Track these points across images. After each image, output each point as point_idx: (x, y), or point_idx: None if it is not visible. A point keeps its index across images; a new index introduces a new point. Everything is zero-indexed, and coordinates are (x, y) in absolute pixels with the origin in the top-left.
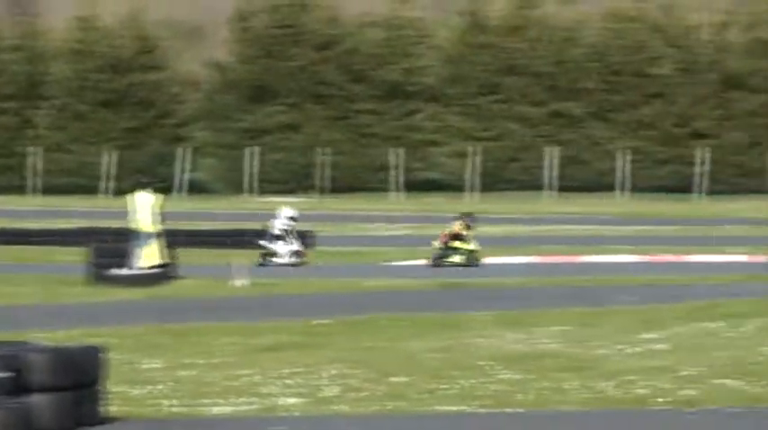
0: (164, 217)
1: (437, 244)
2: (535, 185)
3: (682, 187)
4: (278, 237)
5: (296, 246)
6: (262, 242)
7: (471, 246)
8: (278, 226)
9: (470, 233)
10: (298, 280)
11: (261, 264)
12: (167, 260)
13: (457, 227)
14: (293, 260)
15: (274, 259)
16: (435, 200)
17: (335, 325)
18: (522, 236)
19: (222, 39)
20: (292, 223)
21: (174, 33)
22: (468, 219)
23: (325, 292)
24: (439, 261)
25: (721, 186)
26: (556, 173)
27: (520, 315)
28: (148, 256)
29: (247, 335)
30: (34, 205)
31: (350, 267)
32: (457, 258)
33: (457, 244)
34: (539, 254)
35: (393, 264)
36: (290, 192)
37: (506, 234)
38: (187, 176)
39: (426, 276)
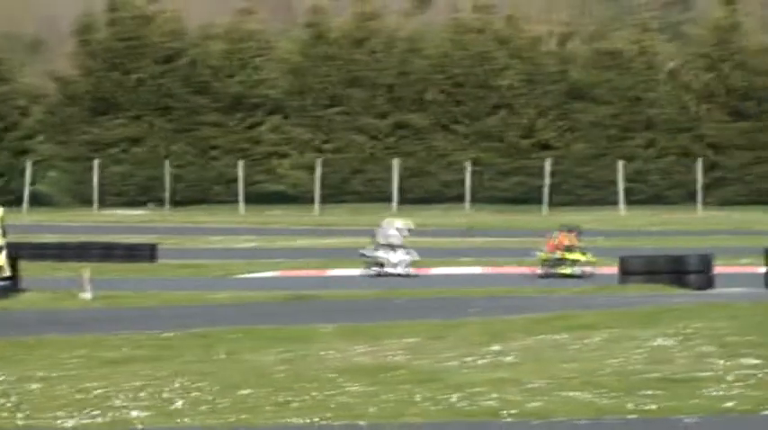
0: (5, 230)
1: (543, 254)
2: (380, 197)
3: (526, 198)
4: (391, 247)
5: (408, 256)
6: (363, 252)
7: (585, 257)
8: (391, 236)
9: (580, 244)
10: (143, 293)
11: (378, 274)
12: (11, 273)
13: (565, 237)
14: (406, 271)
15: (386, 269)
16: (280, 212)
17: (183, 337)
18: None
19: (66, 52)
20: (406, 234)
21: (16, 46)
22: (576, 230)
23: (172, 305)
24: (550, 271)
25: (566, 197)
26: (400, 184)
27: (368, 327)
28: None
29: (96, 348)
30: None
31: (196, 280)
32: (567, 269)
33: (567, 255)
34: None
35: (239, 276)
36: (135, 204)
37: (351, 246)
38: (30, 189)
39: (271, 288)
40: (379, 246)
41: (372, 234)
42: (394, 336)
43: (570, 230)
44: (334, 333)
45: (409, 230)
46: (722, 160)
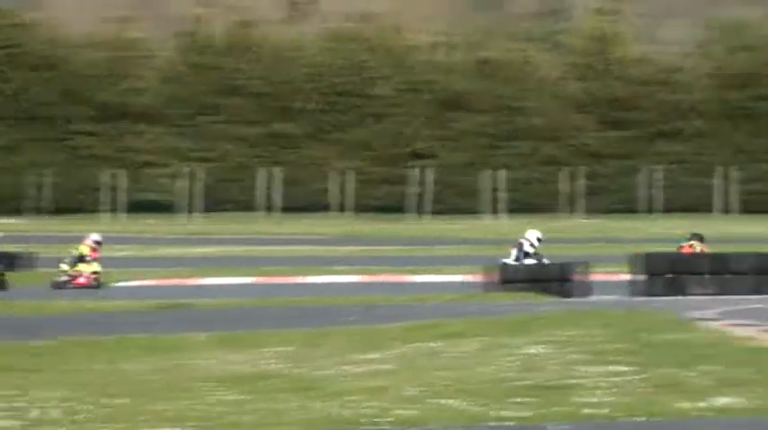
0: None
1: None
2: (254, 206)
3: (400, 207)
4: (527, 255)
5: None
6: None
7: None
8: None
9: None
10: (10, 302)
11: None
12: None
13: (697, 246)
14: None
15: None
16: (154, 221)
17: (54, 346)
18: (242, 256)
19: None
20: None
21: None
22: (698, 237)
23: (43, 314)
24: None
25: (440, 206)
26: (273, 193)
27: (241, 336)
28: None
29: None
30: None
31: (69, 289)
32: None
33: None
34: (260, 274)
35: (114, 285)
36: (9, 212)
37: (226, 255)
38: None
39: (143, 297)
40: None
41: None
42: (270, 344)
43: (695, 237)
44: (209, 341)
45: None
46: (599, 169)
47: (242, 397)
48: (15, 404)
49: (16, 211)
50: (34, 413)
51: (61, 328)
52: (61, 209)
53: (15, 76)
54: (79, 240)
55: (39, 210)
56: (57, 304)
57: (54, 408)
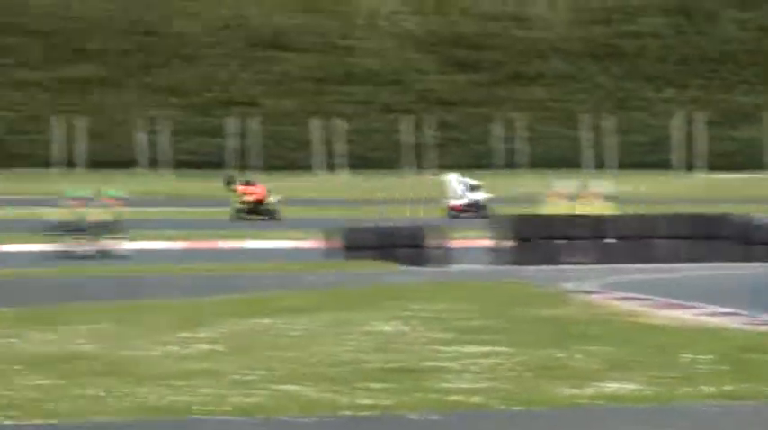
0: None
1: None
2: (50, 162)
3: (219, 162)
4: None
5: None
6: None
7: None
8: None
9: None
10: None
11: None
12: None
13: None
14: None
15: None
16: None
17: None
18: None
19: None
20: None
21: None
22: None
23: None
24: None
25: (267, 161)
26: (74, 146)
27: (42, 311)
28: None
29: None
30: None
31: None
32: None
33: None
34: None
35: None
36: None
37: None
38: None
39: None
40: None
41: None
42: (76, 322)
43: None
44: (6, 316)
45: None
46: (447, 118)
47: (51, 381)
48: None
49: None
50: None
51: None
52: None
53: None
54: None
55: None
56: None
57: None
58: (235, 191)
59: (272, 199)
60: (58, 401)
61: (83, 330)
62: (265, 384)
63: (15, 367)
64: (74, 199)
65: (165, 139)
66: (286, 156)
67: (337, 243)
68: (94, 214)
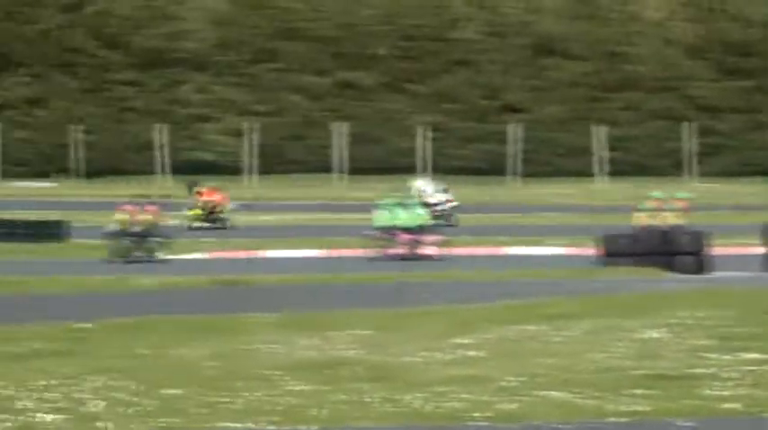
0: None
1: None
2: (322, 167)
3: (491, 169)
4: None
5: None
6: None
7: None
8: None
9: None
10: (52, 278)
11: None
12: None
13: None
14: None
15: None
16: (208, 184)
17: (98, 329)
18: (306, 226)
19: None
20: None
21: None
22: None
23: (85, 292)
24: None
25: (536, 167)
26: (345, 152)
27: (310, 317)
28: None
29: None
30: None
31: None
32: None
33: None
34: (325, 246)
35: (163, 259)
36: (40, 175)
37: (286, 223)
38: None
39: (198, 272)
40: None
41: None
42: (342, 327)
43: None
44: (272, 323)
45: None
46: (715, 125)
47: (315, 387)
48: (62, 394)
49: (46, 174)
50: (76, 406)
51: (103, 308)
52: (97, 170)
53: (40, 18)
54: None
55: (72, 173)
56: (98, 280)
57: (104, 400)
58: (199, 195)
59: (229, 207)
60: (320, 407)
61: (348, 336)
62: (529, 390)
63: (277, 373)
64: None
65: (441, 146)
66: (552, 163)
67: (601, 249)
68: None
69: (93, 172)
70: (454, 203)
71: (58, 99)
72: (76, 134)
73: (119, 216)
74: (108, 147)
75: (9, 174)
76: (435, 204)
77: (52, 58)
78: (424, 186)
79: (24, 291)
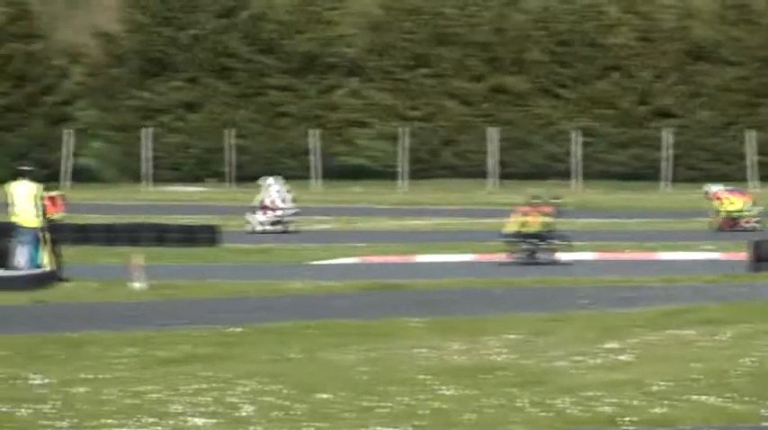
0: (42, 209)
1: None
2: (474, 172)
3: (642, 174)
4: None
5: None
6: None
7: None
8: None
9: None
10: (204, 282)
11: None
12: (55, 259)
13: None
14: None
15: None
16: (360, 189)
17: (250, 333)
18: (459, 230)
19: (108, 5)
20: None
21: None
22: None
23: (236, 296)
24: None
25: (688, 173)
26: (498, 157)
27: (461, 321)
28: (36, 256)
29: (149, 346)
30: None
31: (264, 267)
32: None
33: None
34: (479, 251)
35: (314, 263)
36: (193, 180)
37: (439, 229)
38: (72, 162)
39: (351, 277)
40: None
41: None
42: (493, 332)
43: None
44: (424, 327)
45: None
46: None
47: (466, 392)
48: (213, 398)
49: (199, 178)
50: (227, 410)
51: (254, 312)
52: (249, 175)
53: (194, 23)
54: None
55: (225, 177)
56: (250, 284)
57: (256, 404)
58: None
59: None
60: (470, 411)
61: (498, 341)
62: (680, 395)
63: (428, 377)
64: None
65: (592, 151)
66: (711, 169)
67: (752, 254)
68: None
69: (246, 176)
70: (296, 209)
71: (213, 104)
72: (230, 139)
73: (516, 218)
74: (261, 152)
75: (163, 179)
76: (282, 208)
77: (207, 62)
78: (276, 187)
79: (176, 296)
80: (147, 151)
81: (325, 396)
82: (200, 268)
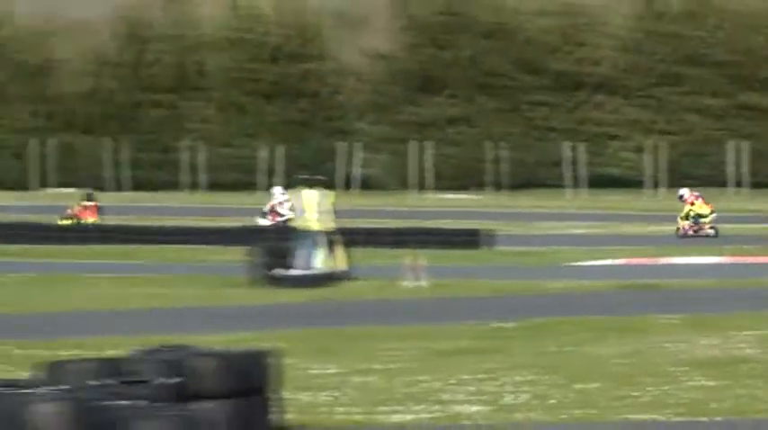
0: (335, 215)
1: None
2: (719, 181)
3: None
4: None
5: None
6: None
7: None
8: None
9: None
10: (474, 281)
11: None
12: (338, 260)
13: None
14: None
15: None
16: (615, 197)
17: (516, 328)
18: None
19: (384, 27)
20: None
21: (333, 21)
22: None
23: (503, 294)
24: None
25: None
26: (743, 168)
27: (711, 318)
28: (322, 258)
29: (424, 339)
30: (189, 202)
31: (528, 268)
32: None
33: None
34: (727, 254)
35: (572, 264)
36: (462, 188)
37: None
38: (353, 172)
39: (608, 277)
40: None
41: None
42: (742, 328)
43: None
44: (677, 324)
45: None
46: None
47: (715, 382)
48: (484, 388)
49: (472, 186)
50: (495, 398)
51: (520, 309)
52: (519, 184)
53: (463, 44)
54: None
55: (497, 185)
56: (516, 284)
57: (523, 393)
58: None
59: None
60: (721, 400)
61: (747, 336)
62: None
63: (681, 369)
64: None
65: None
66: None
67: None
68: None
69: (509, 185)
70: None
71: (479, 118)
72: (496, 151)
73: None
74: (523, 163)
75: (432, 187)
76: (282, 214)
77: (473, 80)
78: (279, 194)
79: (451, 294)
80: (419, 161)
81: (586, 386)
82: (471, 269)
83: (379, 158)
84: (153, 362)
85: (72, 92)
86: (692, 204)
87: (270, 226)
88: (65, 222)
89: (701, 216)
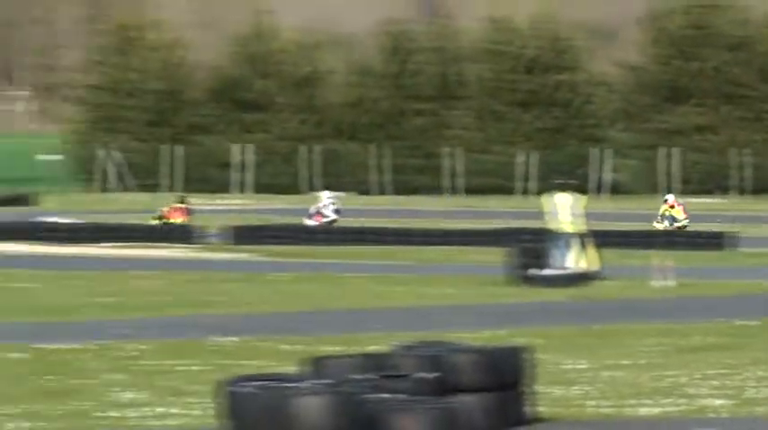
0: (586, 217)
1: None
2: None
3: None
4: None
5: None
6: None
7: None
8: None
9: None
10: (719, 282)
11: None
12: (590, 261)
13: None
14: None
15: None
16: None
17: (759, 326)
18: None
19: (632, 39)
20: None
21: (586, 34)
22: None
23: (747, 294)
24: None
25: None
26: None
27: None
28: (574, 258)
29: (671, 336)
30: (451, 205)
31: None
32: None
33: None
34: None
35: None
36: (707, 192)
37: None
38: (605, 177)
39: None
40: None
41: None
42: None
43: None
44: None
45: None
46: None
47: None
48: (728, 382)
49: (717, 190)
50: (737, 392)
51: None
52: (762, 188)
53: (709, 56)
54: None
55: (741, 190)
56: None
57: (766, 387)
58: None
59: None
60: None
61: None
62: None
63: None
64: None
65: None
66: None
67: None
68: None
69: (752, 190)
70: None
71: (724, 126)
72: (740, 157)
73: None
74: (765, 169)
75: (683, 191)
76: (327, 216)
77: (719, 90)
78: (326, 198)
79: (694, 293)
80: (667, 167)
81: None
82: (716, 270)
83: (629, 164)
84: (412, 358)
85: (339, 101)
86: (673, 207)
87: (315, 226)
88: (154, 222)
89: (675, 219)
